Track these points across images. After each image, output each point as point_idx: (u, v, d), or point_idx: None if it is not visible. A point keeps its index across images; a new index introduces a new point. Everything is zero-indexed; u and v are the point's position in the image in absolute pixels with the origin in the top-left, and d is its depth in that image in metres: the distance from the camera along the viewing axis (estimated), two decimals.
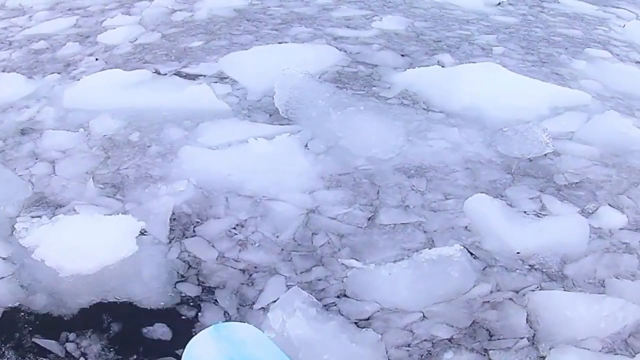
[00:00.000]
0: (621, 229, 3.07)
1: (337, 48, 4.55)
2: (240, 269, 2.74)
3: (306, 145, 3.46)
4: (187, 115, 3.65)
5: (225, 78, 4.12)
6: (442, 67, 4.28)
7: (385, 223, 3.04)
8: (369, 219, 3.06)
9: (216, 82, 4.08)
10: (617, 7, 6.30)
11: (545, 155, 3.62)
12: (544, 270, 2.80)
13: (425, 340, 2.43)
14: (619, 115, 3.98)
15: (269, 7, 5.31)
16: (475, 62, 4.39)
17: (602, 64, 4.77)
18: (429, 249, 2.79)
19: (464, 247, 2.83)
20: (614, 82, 4.51)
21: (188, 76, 4.13)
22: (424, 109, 3.91)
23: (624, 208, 3.20)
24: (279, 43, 4.52)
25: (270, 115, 3.72)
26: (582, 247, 2.93)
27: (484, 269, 2.76)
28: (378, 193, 3.22)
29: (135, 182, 3.19)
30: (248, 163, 3.29)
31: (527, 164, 3.55)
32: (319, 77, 4.07)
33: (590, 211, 3.21)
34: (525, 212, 3.13)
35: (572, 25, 5.69)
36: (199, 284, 2.68)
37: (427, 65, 4.31)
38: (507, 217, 3.12)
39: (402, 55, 4.59)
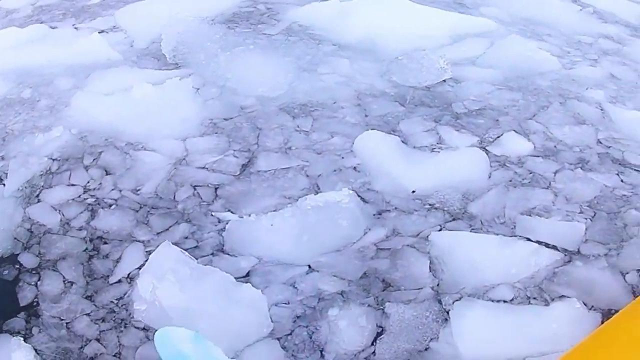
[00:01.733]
0: (528, 155, 3.21)
1: None
2: (89, 238, 2.74)
3: (198, 90, 3.58)
4: (78, 67, 3.84)
5: (119, 29, 4.31)
6: (340, 0, 4.31)
7: (264, 169, 3.06)
8: (243, 165, 3.07)
9: (108, 33, 4.28)
10: None
11: (445, 81, 3.72)
12: (446, 209, 2.84)
13: (311, 296, 2.43)
14: (523, 39, 4.22)
15: None
16: None
17: None
18: (315, 194, 2.79)
19: (353, 190, 2.84)
20: (519, 9, 4.78)
21: (82, 30, 4.30)
22: (317, 43, 4.04)
23: (530, 134, 3.36)
24: None
25: (158, 60, 3.89)
26: (484, 182, 3.02)
27: (377, 214, 2.78)
28: (258, 137, 3.28)
29: (20, 135, 3.35)
30: (131, 110, 3.41)
31: (423, 93, 3.64)
32: (212, 20, 4.25)
33: (491, 139, 3.33)
34: (420, 146, 3.22)
35: None
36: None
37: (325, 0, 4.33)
38: (400, 154, 3.17)
39: None
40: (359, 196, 2.88)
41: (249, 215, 2.75)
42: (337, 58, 3.90)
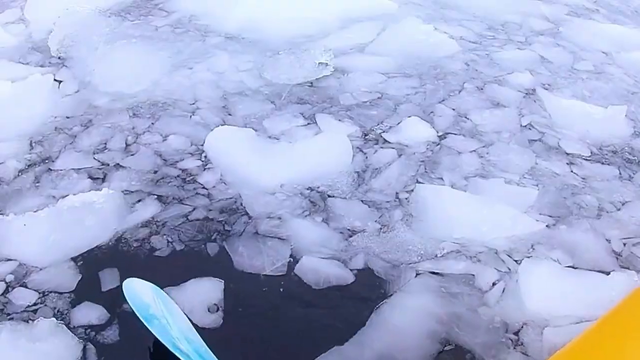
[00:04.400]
0: (431, 143, 3.98)
1: None
2: None
3: (60, 85, 4.21)
4: None
5: (21, 21, 5.03)
6: None
7: (59, 168, 3.66)
8: (29, 165, 3.68)
9: (7, 25, 5.00)
10: None
11: (330, 75, 4.41)
12: (307, 196, 3.48)
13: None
14: (419, 22, 4.97)
15: None
16: None
17: None
18: (74, 195, 3.35)
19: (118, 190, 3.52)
20: None
21: None
22: (203, 35, 4.78)
23: (436, 118, 4.16)
24: None
25: (42, 54, 4.60)
26: (347, 166, 3.67)
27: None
28: (74, 137, 3.88)
29: None
30: None
31: (302, 89, 4.32)
32: (108, 11, 5.03)
33: (383, 129, 4.05)
34: (283, 140, 3.84)
35: None
36: None
37: None
38: (257, 148, 3.77)
39: None
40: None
41: (7, 215, 3.20)
42: (219, 52, 4.60)
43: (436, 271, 3.08)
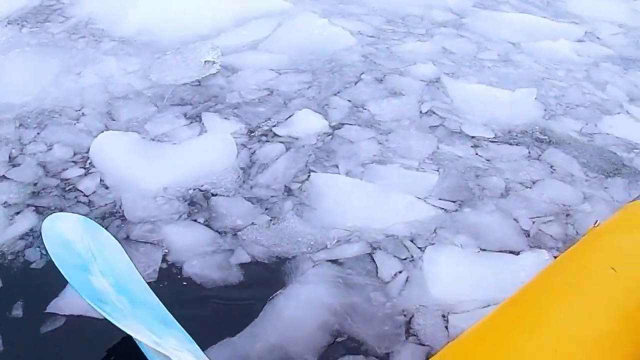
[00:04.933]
0: (323, 134, 4.04)
1: None
2: None
3: None
4: None
5: None
6: None
7: None
8: None
9: None
10: None
11: (217, 73, 4.57)
12: (187, 199, 3.47)
13: None
14: (315, 17, 5.26)
15: None
16: None
17: None
18: None
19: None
20: None
21: None
22: (97, 40, 4.90)
23: (329, 110, 4.28)
24: None
25: None
26: (231, 163, 3.75)
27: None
28: None
29: None
30: None
31: (187, 89, 4.43)
32: (6, 19, 5.17)
33: (272, 124, 4.13)
34: (164, 141, 3.90)
35: None
36: None
37: None
38: (139, 153, 3.78)
39: None
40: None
41: None
42: (109, 56, 4.69)
43: (332, 259, 3.08)
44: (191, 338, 2.46)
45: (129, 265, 2.68)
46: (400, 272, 3.04)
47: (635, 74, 5.27)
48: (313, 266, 3.04)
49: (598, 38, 5.84)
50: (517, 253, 3.15)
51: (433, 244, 3.17)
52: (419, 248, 3.17)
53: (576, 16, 6.27)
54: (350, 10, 5.62)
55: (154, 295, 2.56)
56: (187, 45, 4.85)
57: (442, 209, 3.41)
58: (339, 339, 2.72)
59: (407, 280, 3.02)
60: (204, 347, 2.48)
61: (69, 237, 2.56)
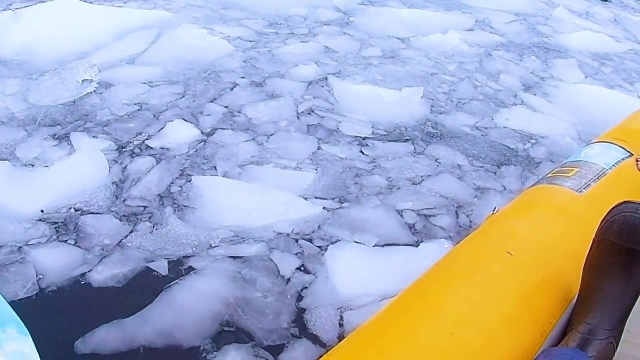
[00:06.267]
0: (195, 142, 4.28)
1: None
2: None
3: None
4: None
5: None
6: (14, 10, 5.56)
7: None
8: None
9: None
10: None
11: (95, 92, 4.77)
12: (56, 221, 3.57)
13: None
14: (194, 26, 5.61)
15: None
16: None
17: None
18: None
19: None
20: None
21: None
22: None
23: (201, 118, 4.55)
24: None
25: None
26: (103, 180, 3.88)
27: None
28: None
29: None
30: None
31: (60, 110, 4.59)
32: None
33: (140, 141, 4.30)
34: (36, 165, 4.02)
35: None
36: None
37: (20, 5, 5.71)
38: (11, 180, 3.91)
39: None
40: None
41: None
42: None
43: (232, 255, 3.35)
44: (26, 330, 2.59)
45: None
46: (298, 268, 3.34)
47: (530, 59, 5.64)
48: (213, 261, 3.31)
49: (491, 27, 6.28)
50: (417, 245, 3.43)
51: (325, 239, 3.48)
52: (310, 243, 3.49)
53: (468, 7, 6.75)
54: (233, 16, 5.95)
55: None
56: (65, 64, 5.04)
57: (322, 207, 3.71)
58: (227, 329, 2.96)
59: (302, 275, 3.31)
60: (93, 327, 2.81)
61: None
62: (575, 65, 5.94)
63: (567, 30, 6.66)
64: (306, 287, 3.19)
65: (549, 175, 3.30)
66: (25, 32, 5.40)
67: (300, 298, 3.13)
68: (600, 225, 2.42)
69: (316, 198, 3.78)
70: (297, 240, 3.47)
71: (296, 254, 3.38)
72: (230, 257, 3.33)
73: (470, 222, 3.68)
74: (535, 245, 2.75)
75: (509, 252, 2.62)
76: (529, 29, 6.38)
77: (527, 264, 2.61)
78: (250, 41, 5.44)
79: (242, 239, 3.45)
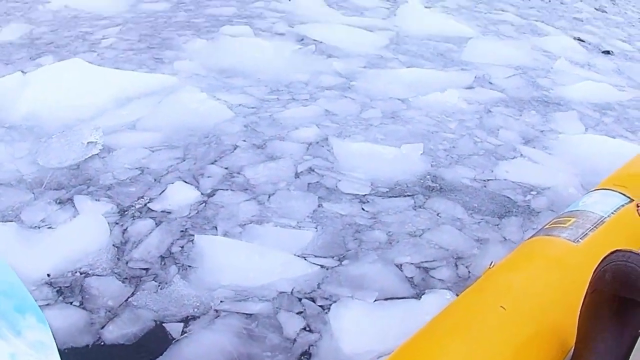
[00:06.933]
0: (196, 203, 4.31)
1: None
2: None
3: None
4: None
5: None
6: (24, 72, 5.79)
7: None
8: None
9: None
10: None
11: (98, 155, 4.84)
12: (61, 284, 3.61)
13: None
14: (196, 91, 5.66)
15: None
16: (64, 60, 6.12)
17: (226, 41, 7.00)
18: None
19: None
20: (217, 61, 6.63)
21: None
22: None
23: (199, 183, 4.57)
24: None
25: None
26: (105, 243, 3.92)
27: None
28: None
29: None
30: None
31: (64, 173, 4.64)
32: None
33: (141, 204, 4.32)
34: (40, 228, 4.05)
35: (229, 2, 8.64)
36: None
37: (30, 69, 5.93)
38: (17, 242, 3.91)
39: (6, 64, 6.28)
40: None
41: None
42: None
43: (240, 311, 3.38)
44: (44, 319, 2.79)
45: None
46: (303, 328, 3.34)
47: (530, 114, 5.65)
48: (218, 318, 3.37)
49: (490, 83, 6.36)
50: (418, 297, 3.43)
51: (325, 298, 3.48)
52: (312, 302, 3.50)
53: (468, 63, 6.85)
54: (235, 84, 6.03)
55: (9, 271, 2.90)
56: (71, 127, 5.12)
57: (320, 265, 3.74)
58: None
59: (307, 334, 3.32)
60: None
61: None
62: (576, 118, 5.96)
63: (568, 81, 6.67)
64: (312, 345, 3.21)
65: (547, 227, 3.29)
66: (33, 97, 5.51)
67: (305, 356, 3.15)
68: (592, 275, 2.41)
69: (315, 256, 3.78)
70: (299, 299, 3.46)
71: (298, 313, 3.39)
72: (236, 312, 3.37)
73: (469, 273, 3.67)
74: (530, 298, 2.74)
75: (502, 307, 2.63)
76: (529, 83, 6.43)
77: (522, 318, 2.61)
78: (252, 107, 5.49)
79: (246, 297, 3.46)
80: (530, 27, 8.39)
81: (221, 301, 3.43)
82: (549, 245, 3.12)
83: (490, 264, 3.10)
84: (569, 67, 7.16)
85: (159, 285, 3.55)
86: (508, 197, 4.45)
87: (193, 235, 3.86)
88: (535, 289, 2.81)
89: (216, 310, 3.37)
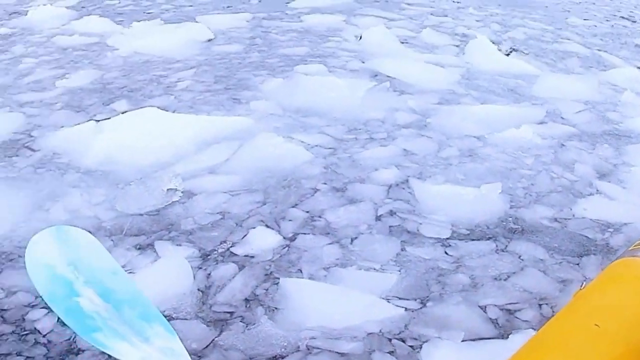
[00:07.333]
0: (277, 247, 4.34)
1: (23, 114, 6.44)
2: None
3: None
4: None
5: None
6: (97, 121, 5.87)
7: None
8: None
9: None
10: (365, 16, 9.87)
11: (177, 200, 4.91)
12: None
13: None
14: (274, 134, 5.64)
15: None
16: (146, 105, 6.26)
17: (301, 80, 6.94)
18: None
19: None
20: (294, 99, 6.59)
21: None
22: (62, 173, 5.22)
23: (280, 227, 4.57)
24: None
25: None
26: (188, 287, 4.01)
27: None
28: None
29: None
30: None
31: (145, 219, 4.73)
32: None
33: (223, 248, 4.42)
34: (127, 272, 4.03)
35: (302, 42, 8.60)
36: None
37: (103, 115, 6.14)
38: None
39: (77, 112, 6.35)
40: None
41: None
42: (73, 189, 5.01)
43: (330, 350, 3.51)
44: (171, 328, 3.01)
45: (107, 259, 3.47)
46: None
47: (602, 147, 5.71)
48: (314, 354, 3.47)
49: (562, 117, 6.36)
50: (505, 337, 3.47)
51: (414, 338, 3.55)
52: (403, 342, 3.57)
53: (537, 97, 6.85)
54: (312, 123, 6.07)
55: (133, 285, 3.28)
56: (148, 174, 5.19)
57: (405, 307, 3.78)
58: None
59: None
60: None
61: (48, 261, 3.31)
62: None
63: (636, 114, 6.58)
64: None
65: (631, 248, 3.44)
66: (108, 143, 5.61)
67: None
68: None
69: (399, 298, 3.82)
70: (389, 340, 3.53)
71: (390, 352, 3.46)
72: (328, 350, 3.48)
73: (553, 313, 3.65)
74: (622, 316, 2.90)
75: (596, 324, 2.79)
76: (599, 117, 6.41)
77: (616, 335, 2.76)
78: (330, 148, 5.55)
79: (335, 336, 3.56)
80: (595, 58, 8.32)
81: (312, 338, 3.51)
82: (636, 265, 3.29)
83: (582, 285, 3.27)
84: (636, 98, 7.06)
85: (245, 326, 3.61)
86: (587, 237, 4.44)
87: (278, 279, 3.92)
88: (626, 307, 2.97)
89: (308, 347, 3.45)
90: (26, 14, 9.85)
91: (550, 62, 8.23)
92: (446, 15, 10.02)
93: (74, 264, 3.30)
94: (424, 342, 3.44)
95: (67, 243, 3.42)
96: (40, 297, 3.64)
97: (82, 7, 10.85)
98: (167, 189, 5.00)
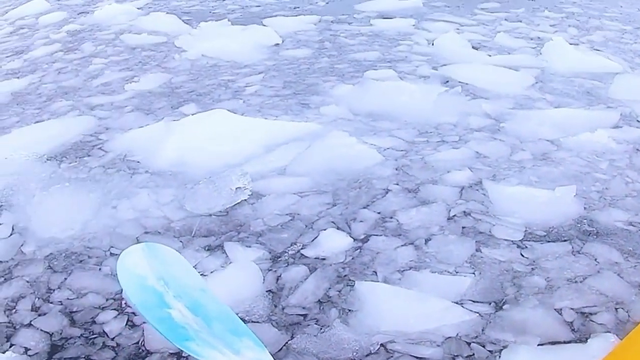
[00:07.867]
0: (349, 249, 4.30)
1: (93, 116, 6.62)
2: None
3: None
4: None
5: None
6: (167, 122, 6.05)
7: None
8: None
9: None
10: (436, 21, 9.72)
11: (247, 201, 4.89)
12: None
13: None
14: (344, 135, 5.66)
15: (42, 84, 7.72)
16: (214, 108, 6.32)
17: (372, 85, 7.01)
18: None
19: None
20: (364, 104, 6.55)
21: None
22: (131, 173, 5.33)
23: (351, 229, 4.52)
24: (36, 122, 6.53)
25: None
26: (259, 290, 4.01)
27: None
28: None
29: None
30: None
31: (214, 219, 4.75)
32: (46, 157, 5.71)
33: (294, 250, 4.35)
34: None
35: (372, 46, 8.58)
36: None
37: (172, 118, 6.24)
38: None
39: (147, 114, 6.47)
40: None
41: None
42: (142, 190, 5.08)
43: (410, 354, 3.49)
44: (261, 342, 3.12)
45: (195, 276, 3.64)
46: None
47: None
48: (395, 357, 3.45)
49: (637, 121, 6.19)
50: (582, 341, 3.41)
51: (492, 342, 3.50)
52: (482, 347, 3.52)
53: (612, 100, 6.69)
54: (383, 127, 6.02)
55: (219, 301, 3.43)
56: (218, 174, 5.22)
57: (479, 312, 3.71)
58: None
59: None
60: None
61: (140, 272, 3.47)
62: None
63: None
64: None
65: None
66: (178, 144, 5.69)
67: None
68: None
69: (473, 302, 3.77)
70: (468, 344, 3.49)
71: (468, 356, 3.41)
72: (408, 355, 3.44)
73: (629, 317, 3.61)
74: None
75: None
76: None
77: None
78: (402, 150, 5.49)
79: (413, 340, 3.53)
80: None
81: (391, 342, 3.50)
82: None
83: None
84: None
85: (319, 329, 3.58)
86: None
87: (351, 281, 3.89)
88: None
89: (387, 350, 3.45)
90: (93, 13, 10.37)
91: (629, 60, 8.01)
92: (520, 21, 9.90)
93: (163, 278, 3.42)
94: (503, 347, 3.39)
95: (156, 259, 3.56)
96: (112, 299, 3.81)
97: (149, 7, 11.19)
98: (236, 188, 5.00)
